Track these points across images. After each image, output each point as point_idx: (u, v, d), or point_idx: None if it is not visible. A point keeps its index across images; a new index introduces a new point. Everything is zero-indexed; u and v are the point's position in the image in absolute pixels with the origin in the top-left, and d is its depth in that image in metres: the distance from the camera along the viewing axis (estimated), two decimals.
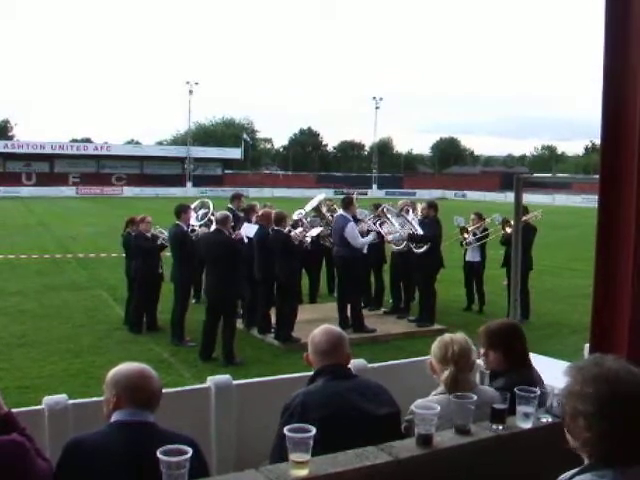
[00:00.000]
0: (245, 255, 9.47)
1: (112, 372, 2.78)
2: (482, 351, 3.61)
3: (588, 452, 1.89)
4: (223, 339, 9.07)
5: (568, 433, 1.94)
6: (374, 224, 11.55)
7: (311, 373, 3.27)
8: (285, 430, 2.27)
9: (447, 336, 3.32)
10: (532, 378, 3.49)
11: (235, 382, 4.52)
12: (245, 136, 76.93)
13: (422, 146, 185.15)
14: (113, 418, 2.67)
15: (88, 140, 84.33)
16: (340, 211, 11.17)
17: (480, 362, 3.65)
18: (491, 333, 3.61)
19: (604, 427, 1.83)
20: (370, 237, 11.01)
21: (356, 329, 10.44)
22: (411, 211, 11.72)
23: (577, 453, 1.96)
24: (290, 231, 10.01)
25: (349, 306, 10.71)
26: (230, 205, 11.72)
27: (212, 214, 10.47)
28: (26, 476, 2.45)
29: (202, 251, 9.49)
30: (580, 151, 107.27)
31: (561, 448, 1.99)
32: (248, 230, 9.99)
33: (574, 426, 1.90)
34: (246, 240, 9.62)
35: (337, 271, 11.54)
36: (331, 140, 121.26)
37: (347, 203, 10.98)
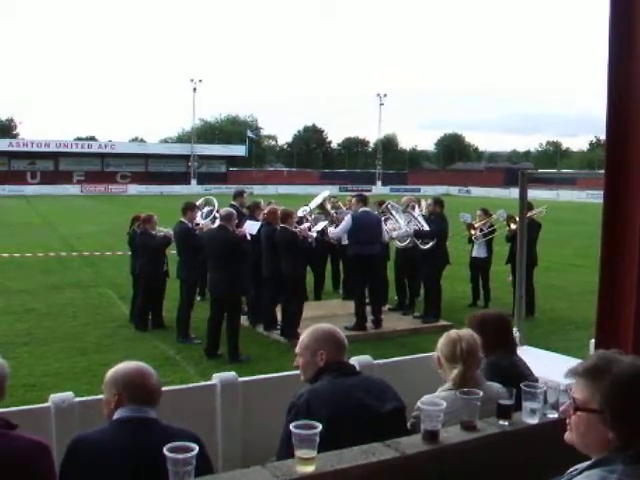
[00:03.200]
0: (249, 252, 9.47)
1: (111, 372, 2.82)
2: None
3: (600, 449, 1.89)
4: (228, 336, 9.09)
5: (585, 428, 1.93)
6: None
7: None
8: (291, 427, 2.27)
9: (454, 333, 3.33)
10: (512, 362, 3.65)
11: (241, 379, 4.53)
12: (250, 133, 76.84)
13: (426, 142, 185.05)
14: (116, 415, 2.70)
15: (92, 138, 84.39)
16: (357, 208, 10.87)
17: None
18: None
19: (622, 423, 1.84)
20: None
21: (377, 326, 10.55)
22: (416, 207, 11.71)
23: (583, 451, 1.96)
24: (296, 227, 10.02)
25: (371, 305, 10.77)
26: (233, 202, 11.71)
27: (217, 212, 10.47)
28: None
29: (206, 248, 9.50)
30: (585, 146, 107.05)
31: (568, 444, 1.99)
32: (250, 227, 9.99)
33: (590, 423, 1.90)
34: (249, 237, 9.62)
35: (366, 270, 10.51)
36: (335, 137, 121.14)
37: (366, 199, 11.06)
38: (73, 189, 62.34)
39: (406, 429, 3.07)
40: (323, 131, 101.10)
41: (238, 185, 41.97)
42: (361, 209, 10.72)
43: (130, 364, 2.84)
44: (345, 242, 12.31)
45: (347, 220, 10.72)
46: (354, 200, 11.14)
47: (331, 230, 11.19)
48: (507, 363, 3.62)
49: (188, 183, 67.28)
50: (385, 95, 77.84)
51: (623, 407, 1.84)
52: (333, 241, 12.42)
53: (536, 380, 3.24)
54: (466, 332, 3.32)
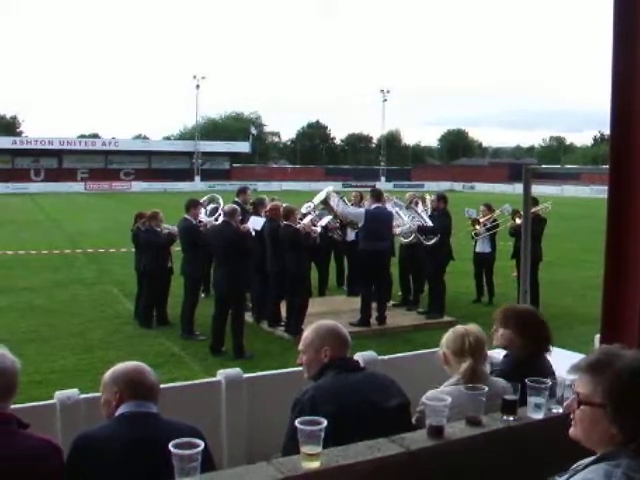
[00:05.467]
0: (254, 248, 9.47)
1: (109, 372, 2.86)
2: (494, 327, 3.67)
3: (605, 443, 1.89)
4: (232, 332, 9.09)
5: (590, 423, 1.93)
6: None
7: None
8: (296, 422, 2.27)
9: (461, 328, 3.33)
10: (538, 363, 3.54)
11: (245, 375, 4.54)
12: (253, 130, 76.85)
13: (430, 138, 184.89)
14: (118, 412, 2.73)
15: (96, 135, 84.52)
16: (371, 203, 10.89)
17: (490, 353, 3.65)
18: (507, 311, 3.71)
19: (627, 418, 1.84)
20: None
21: (381, 322, 10.53)
22: (420, 203, 11.71)
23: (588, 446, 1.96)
24: (299, 223, 10.01)
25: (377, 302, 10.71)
26: (237, 199, 11.73)
27: (222, 209, 10.48)
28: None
29: (211, 244, 9.51)
30: (589, 142, 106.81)
31: (573, 439, 1.99)
32: (255, 223, 10.00)
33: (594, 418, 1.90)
34: (253, 233, 9.63)
35: (374, 266, 10.53)
36: (339, 133, 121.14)
37: (380, 195, 11.02)
38: (77, 186, 62.36)
39: (411, 424, 3.08)
40: (327, 127, 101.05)
41: (242, 182, 42.00)
42: (374, 205, 10.73)
43: (127, 363, 2.89)
44: (350, 238, 12.38)
45: (361, 211, 10.85)
46: (368, 195, 11.21)
47: (342, 207, 11.21)
48: (537, 363, 3.52)
49: (192, 180, 67.31)
50: (388, 91, 77.86)
51: (625, 401, 1.84)
52: (337, 237, 12.45)
53: None
54: (473, 326, 3.33)
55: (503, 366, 3.48)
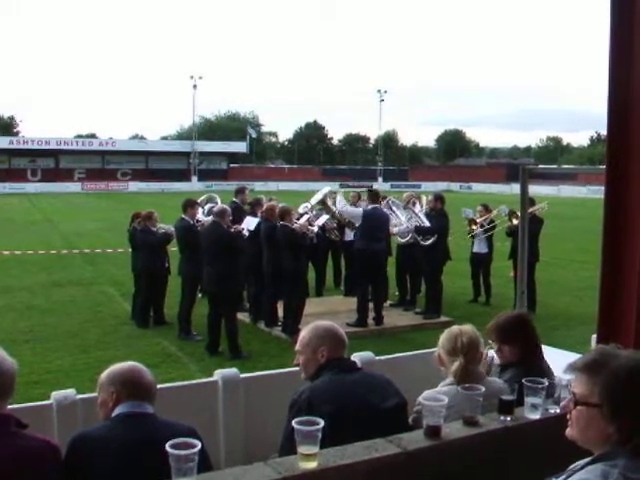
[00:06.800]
0: (245, 248, 9.44)
1: (105, 373, 2.86)
2: (495, 347, 3.59)
3: (601, 443, 1.89)
4: (226, 332, 9.08)
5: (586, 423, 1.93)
6: None
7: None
8: (293, 423, 2.27)
9: (455, 328, 3.33)
10: (542, 369, 3.50)
11: (242, 375, 4.53)
12: (250, 130, 76.79)
13: (427, 138, 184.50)
14: (115, 412, 2.73)
15: (93, 136, 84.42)
16: (368, 204, 10.98)
17: (488, 353, 3.64)
18: (502, 328, 3.61)
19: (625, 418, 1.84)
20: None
21: (379, 322, 10.53)
22: (417, 203, 11.71)
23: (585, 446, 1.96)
24: (296, 223, 10.00)
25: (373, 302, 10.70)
26: (235, 199, 11.72)
27: None
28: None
29: (202, 244, 9.50)
30: (585, 142, 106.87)
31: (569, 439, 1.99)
32: (249, 223, 9.99)
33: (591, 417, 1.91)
34: (247, 233, 9.61)
35: (370, 266, 10.49)
36: (336, 133, 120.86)
37: (377, 195, 11.04)
38: (74, 187, 62.28)
39: (407, 425, 3.07)
40: (324, 127, 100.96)
41: (239, 182, 41.99)
42: (371, 205, 10.76)
43: (124, 363, 2.89)
44: (348, 238, 12.38)
45: (359, 210, 10.89)
46: (366, 196, 11.31)
47: (341, 206, 11.23)
48: (541, 368, 3.45)
49: (189, 180, 67.25)
50: (385, 91, 77.82)
51: (621, 400, 1.84)
52: (335, 237, 12.45)
53: None
54: (467, 327, 3.32)
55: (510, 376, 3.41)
